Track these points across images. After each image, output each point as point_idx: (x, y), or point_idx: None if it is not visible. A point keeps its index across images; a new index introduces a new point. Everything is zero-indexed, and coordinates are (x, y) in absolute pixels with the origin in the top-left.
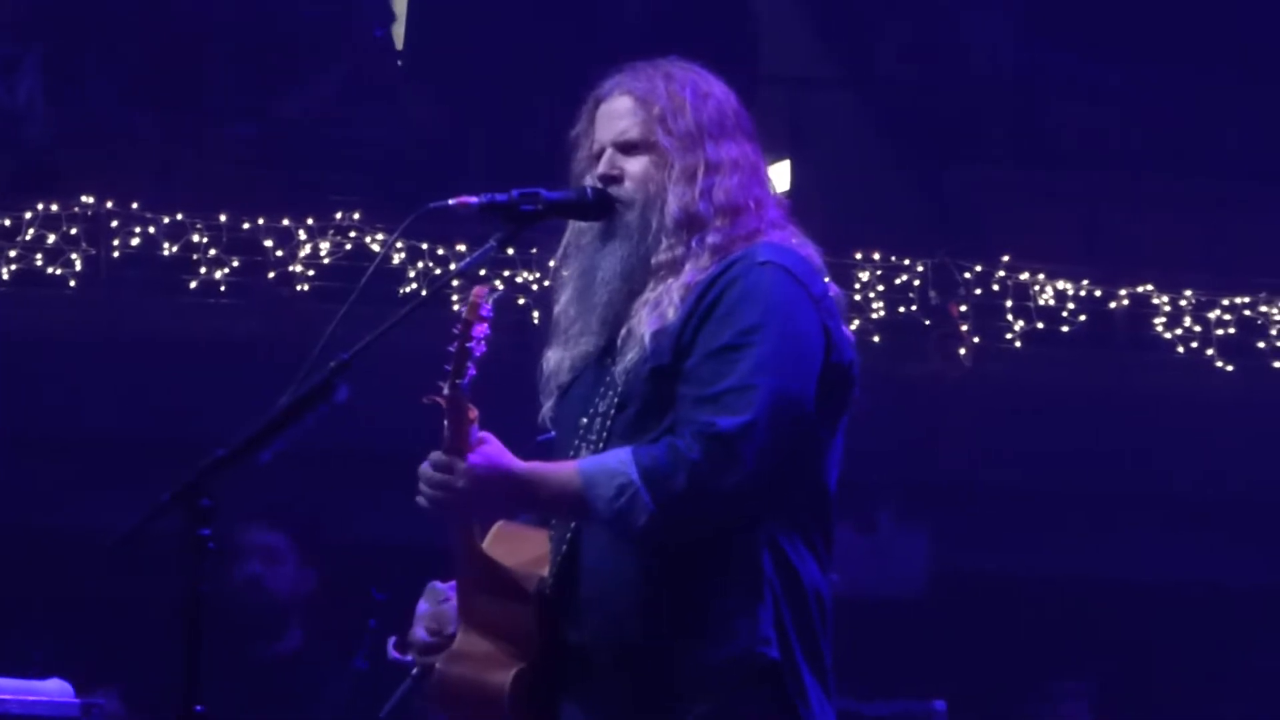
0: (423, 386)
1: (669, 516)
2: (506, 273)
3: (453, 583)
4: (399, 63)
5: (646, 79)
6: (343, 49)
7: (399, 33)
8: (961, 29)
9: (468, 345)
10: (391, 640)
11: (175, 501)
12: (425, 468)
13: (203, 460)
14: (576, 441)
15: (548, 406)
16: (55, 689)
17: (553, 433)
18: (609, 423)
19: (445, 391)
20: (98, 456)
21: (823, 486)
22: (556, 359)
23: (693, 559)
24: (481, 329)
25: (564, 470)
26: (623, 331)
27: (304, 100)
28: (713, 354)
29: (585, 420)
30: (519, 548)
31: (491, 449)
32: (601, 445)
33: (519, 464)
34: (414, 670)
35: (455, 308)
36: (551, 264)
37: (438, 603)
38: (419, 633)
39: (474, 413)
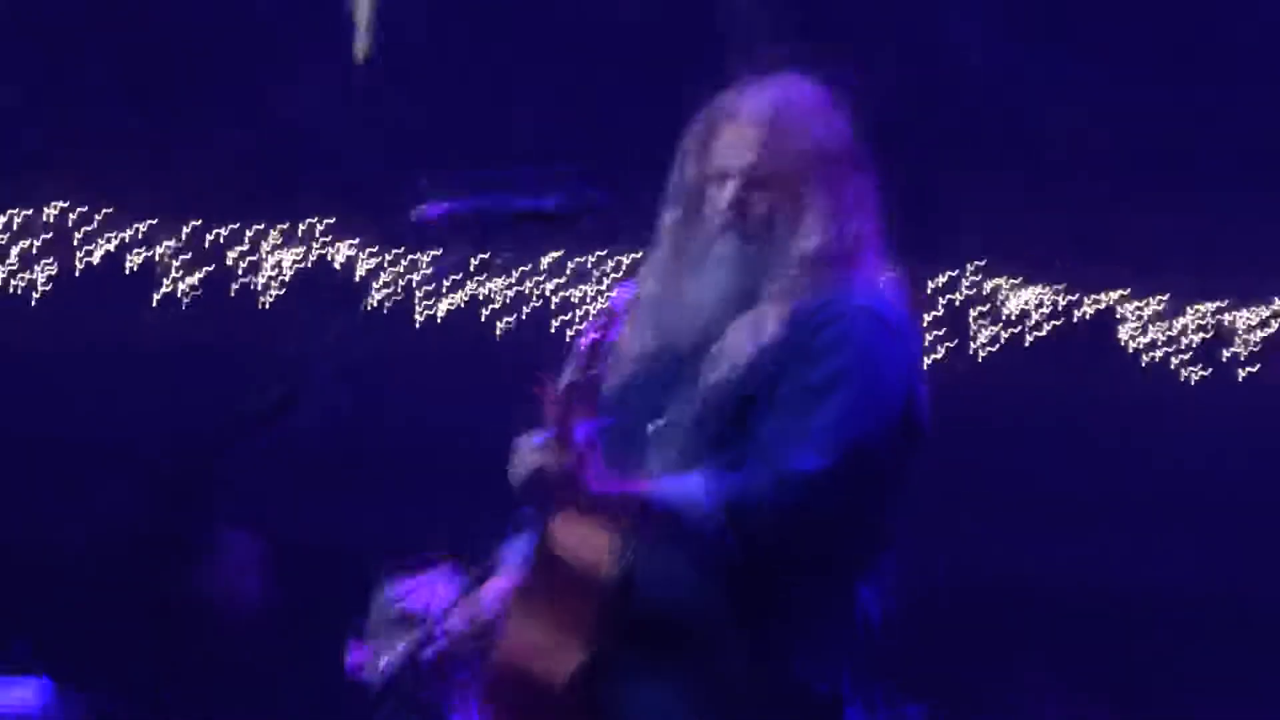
0: (371, 393)
1: (747, 549)
2: (479, 277)
3: (406, 585)
4: (371, 72)
5: (785, 114)
6: (314, 59)
7: (369, 41)
8: (934, 34)
9: (604, 339)
10: (350, 651)
11: (150, 506)
12: (522, 446)
13: (173, 465)
14: (645, 449)
15: (609, 386)
16: (33, 687)
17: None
18: (683, 436)
19: (569, 379)
20: (72, 463)
21: (886, 530)
22: (632, 337)
23: (756, 581)
24: (616, 325)
25: (647, 486)
26: (714, 347)
27: (275, 109)
28: (801, 391)
29: (656, 427)
30: (578, 543)
31: (598, 452)
32: (675, 458)
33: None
34: (394, 679)
35: (420, 316)
36: (639, 260)
37: (391, 613)
38: (456, 622)
39: (580, 410)
